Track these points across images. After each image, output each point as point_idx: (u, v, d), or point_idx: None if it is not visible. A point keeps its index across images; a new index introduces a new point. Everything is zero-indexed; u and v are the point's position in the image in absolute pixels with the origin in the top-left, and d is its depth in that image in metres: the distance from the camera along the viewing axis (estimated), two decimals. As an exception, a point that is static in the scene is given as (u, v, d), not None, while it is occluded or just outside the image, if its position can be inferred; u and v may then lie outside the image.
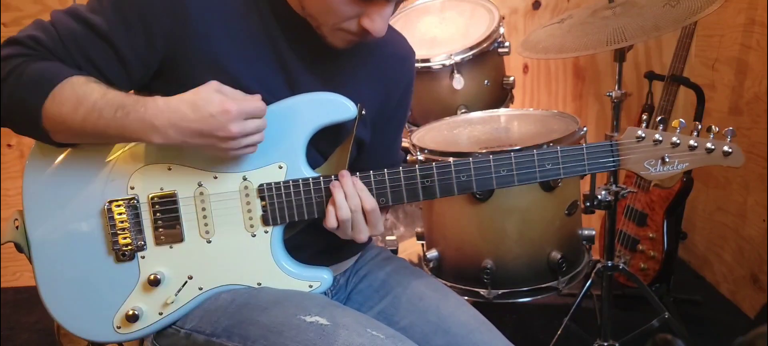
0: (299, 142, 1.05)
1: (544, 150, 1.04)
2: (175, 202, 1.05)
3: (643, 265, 2.15)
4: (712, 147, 1.04)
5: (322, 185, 1.04)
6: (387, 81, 1.20)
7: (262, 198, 1.05)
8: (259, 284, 1.07)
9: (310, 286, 1.09)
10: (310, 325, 0.95)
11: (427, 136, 1.66)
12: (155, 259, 1.06)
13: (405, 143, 1.66)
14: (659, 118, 1.06)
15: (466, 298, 1.38)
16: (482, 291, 1.53)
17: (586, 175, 1.51)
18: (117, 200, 1.04)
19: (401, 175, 1.04)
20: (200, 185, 1.05)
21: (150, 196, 1.04)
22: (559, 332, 1.81)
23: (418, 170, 1.04)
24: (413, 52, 1.28)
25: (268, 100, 1.04)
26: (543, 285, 1.53)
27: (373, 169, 1.05)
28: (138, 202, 1.04)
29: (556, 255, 1.50)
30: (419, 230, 1.71)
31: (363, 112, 1.07)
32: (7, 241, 1.05)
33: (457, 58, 1.80)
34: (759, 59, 2.03)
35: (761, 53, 2.01)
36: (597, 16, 1.68)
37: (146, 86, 1.05)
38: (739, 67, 2.15)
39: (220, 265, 1.07)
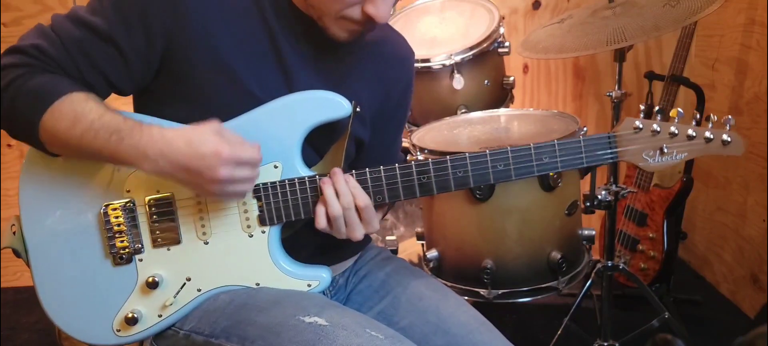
0: (294, 141, 1.05)
1: (541, 144, 1.03)
2: (172, 204, 1.04)
3: (643, 265, 2.15)
4: (711, 136, 1.03)
5: (318, 184, 1.04)
6: (387, 81, 1.20)
7: (258, 198, 1.05)
8: (258, 284, 1.07)
9: (309, 285, 1.08)
10: (309, 325, 0.95)
11: (427, 136, 1.66)
12: (153, 261, 1.06)
13: (405, 143, 1.66)
14: (657, 108, 1.05)
15: (466, 298, 1.37)
16: (482, 291, 1.52)
17: (585, 168, 1.53)
18: (113, 204, 1.04)
19: (397, 171, 1.04)
20: None
21: (146, 199, 1.04)
22: (559, 332, 1.81)
23: (414, 166, 1.04)
24: (412, 53, 1.28)
25: (266, 98, 1.04)
26: (543, 285, 1.53)
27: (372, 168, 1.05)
28: (134, 205, 1.04)
29: (556, 255, 1.50)
30: (419, 230, 1.71)
31: (358, 109, 1.06)
32: (6, 247, 1.06)
33: (457, 58, 1.80)
34: (759, 59, 2.03)
35: (761, 53, 2.01)
36: (597, 16, 1.68)
37: (147, 87, 1.04)
38: (739, 67, 2.15)
39: (218, 266, 1.07)
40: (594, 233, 1.59)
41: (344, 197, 1.01)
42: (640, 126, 1.03)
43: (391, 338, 0.96)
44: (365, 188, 1.03)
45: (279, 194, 1.05)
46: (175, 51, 1.00)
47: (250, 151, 0.96)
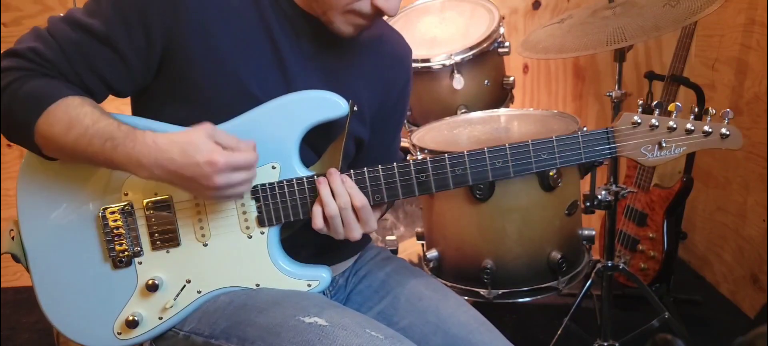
0: (292, 141, 1.05)
1: (539, 140, 1.03)
2: (170, 207, 1.04)
3: (643, 265, 2.15)
4: (710, 130, 1.02)
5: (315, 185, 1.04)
6: (386, 79, 1.20)
7: (257, 199, 1.05)
8: (258, 285, 1.07)
9: (309, 285, 1.08)
10: (309, 326, 0.95)
11: (427, 136, 1.66)
12: (152, 264, 1.06)
13: (405, 143, 1.66)
14: (655, 102, 1.05)
15: (466, 298, 1.37)
16: (482, 291, 1.52)
17: (584, 167, 1.53)
18: (111, 207, 1.04)
19: (396, 170, 1.04)
20: None
21: (145, 202, 1.04)
22: (559, 332, 1.81)
23: (412, 165, 1.04)
24: (410, 51, 1.28)
25: (265, 97, 1.03)
26: (543, 285, 1.53)
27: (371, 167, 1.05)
28: (132, 208, 1.04)
29: (556, 255, 1.50)
30: (419, 230, 1.71)
31: (355, 108, 1.06)
32: (5, 252, 1.06)
33: (457, 58, 1.79)
34: (759, 59, 2.02)
35: (761, 53, 2.01)
36: (597, 16, 1.68)
37: (147, 88, 1.04)
38: (739, 67, 2.15)
39: (218, 267, 1.06)
40: (594, 233, 1.59)
41: (341, 197, 1.01)
42: (639, 121, 1.03)
43: (391, 338, 0.96)
44: (363, 188, 1.03)
45: (277, 194, 1.04)
46: (175, 51, 1.00)
47: (245, 155, 0.94)
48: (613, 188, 1.73)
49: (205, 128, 0.94)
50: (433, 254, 1.60)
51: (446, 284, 1.50)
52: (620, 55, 1.70)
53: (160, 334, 1.08)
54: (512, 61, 2.42)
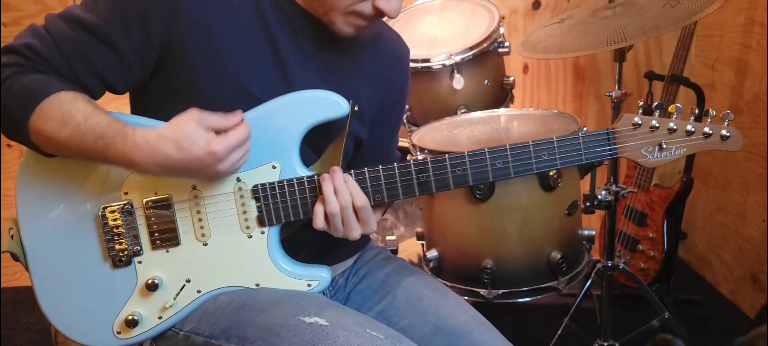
0: (292, 141, 1.05)
1: (539, 141, 1.03)
2: (170, 206, 1.04)
3: (643, 265, 2.15)
4: (710, 132, 1.02)
5: (316, 184, 1.04)
6: (385, 79, 1.20)
7: (257, 199, 1.05)
8: (258, 284, 1.07)
9: (309, 285, 1.08)
10: (309, 326, 0.95)
11: (427, 136, 1.66)
12: (152, 263, 1.06)
13: (405, 143, 1.66)
14: (656, 103, 1.05)
15: (466, 298, 1.37)
16: (482, 291, 1.52)
17: (584, 167, 1.53)
18: (111, 206, 1.04)
19: (396, 170, 1.04)
20: (194, 188, 1.04)
21: (144, 201, 1.04)
22: (559, 332, 1.81)
23: (413, 165, 1.04)
24: (408, 50, 1.28)
25: (265, 97, 1.03)
26: (543, 285, 1.53)
27: (369, 167, 1.05)
28: (132, 207, 1.04)
29: (556, 255, 1.50)
30: (419, 230, 1.71)
31: (356, 108, 1.06)
32: (4, 251, 1.05)
33: (457, 58, 1.79)
34: (759, 59, 2.02)
35: (761, 53, 2.01)
36: (597, 16, 1.68)
37: (145, 86, 1.04)
38: (739, 67, 2.15)
39: (218, 267, 1.06)
40: (594, 233, 1.59)
41: (342, 195, 1.01)
42: (639, 122, 1.03)
43: (391, 338, 0.96)
44: (364, 188, 1.03)
45: (278, 194, 1.04)
46: (174, 51, 1.00)
47: (238, 133, 0.95)
48: (613, 188, 1.73)
49: (192, 116, 0.93)
50: (433, 254, 1.60)
51: (446, 284, 1.50)
52: (620, 55, 1.70)
53: (160, 333, 1.08)
54: (512, 61, 2.42)
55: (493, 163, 1.04)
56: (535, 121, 1.69)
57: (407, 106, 1.92)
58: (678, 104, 1.03)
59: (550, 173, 1.42)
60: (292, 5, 1.06)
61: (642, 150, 1.04)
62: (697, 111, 1.04)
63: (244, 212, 1.05)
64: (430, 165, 1.04)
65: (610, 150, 1.04)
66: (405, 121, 1.94)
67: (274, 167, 1.05)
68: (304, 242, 1.12)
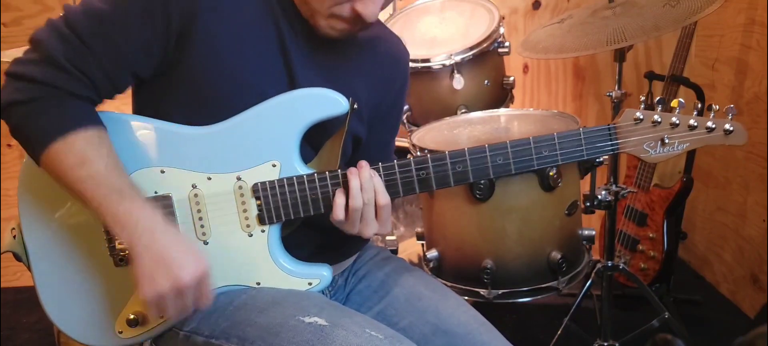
0: (292, 139, 1.04)
1: (540, 136, 1.02)
2: (170, 205, 1.04)
3: (643, 265, 2.15)
4: (713, 126, 1.01)
5: (318, 182, 1.04)
6: (383, 79, 1.21)
7: (257, 197, 1.05)
8: (258, 283, 1.07)
9: (310, 283, 1.08)
10: (309, 326, 0.95)
11: (427, 136, 1.66)
12: None
13: (405, 143, 1.66)
14: (658, 99, 1.04)
15: (466, 298, 1.37)
16: (482, 291, 1.52)
17: (585, 167, 1.53)
18: None
19: (396, 168, 1.04)
20: (194, 187, 1.04)
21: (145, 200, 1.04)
22: (559, 332, 1.81)
23: (413, 162, 1.04)
24: (408, 54, 1.28)
25: (269, 92, 1.03)
26: (543, 285, 1.53)
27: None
28: None
29: (556, 255, 1.50)
30: (419, 230, 1.71)
31: (355, 106, 1.06)
32: (6, 251, 1.05)
33: (457, 58, 1.80)
34: (759, 59, 2.03)
35: (761, 53, 2.01)
36: (597, 16, 1.68)
37: (148, 83, 1.03)
38: (739, 67, 2.15)
39: (218, 266, 1.06)
40: (594, 233, 1.59)
41: (367, 192, 1.01)
42: (641, 117, 1.02)
43: (391, 338, 0.96)
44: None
45: (278, 192, 1.04)
46: (184, 43, 0.99)
47: (203, 300, 0.97)
48: (613, 187, 1.73)
49: (205, 267, 0.96)
50: (433, 254, 1.60)
51: (446, 284, 1.50)
52: (620, 55, 1.70)
53: (161, 333, 1.08)
54: (512, 61, 2.42)
55: (493, 160, 1.03)
56: (535, 121, 1.69)
57: (407, 106, 1.92)
58: (680, 99, 1.02)
59: (550, 173, 1.42)
60: (292, 6, 1.07)
61: (644, 145, 1.03)
62: (699, 105, 1.03)
63: (245, 211, 1.05)
64: (430, 162, 1.04)
65: (611, 145, 1.03)
66: (405, 121, 1.94)
67: (273, 166, 1.04)
68: (304, 241, 1.12)
